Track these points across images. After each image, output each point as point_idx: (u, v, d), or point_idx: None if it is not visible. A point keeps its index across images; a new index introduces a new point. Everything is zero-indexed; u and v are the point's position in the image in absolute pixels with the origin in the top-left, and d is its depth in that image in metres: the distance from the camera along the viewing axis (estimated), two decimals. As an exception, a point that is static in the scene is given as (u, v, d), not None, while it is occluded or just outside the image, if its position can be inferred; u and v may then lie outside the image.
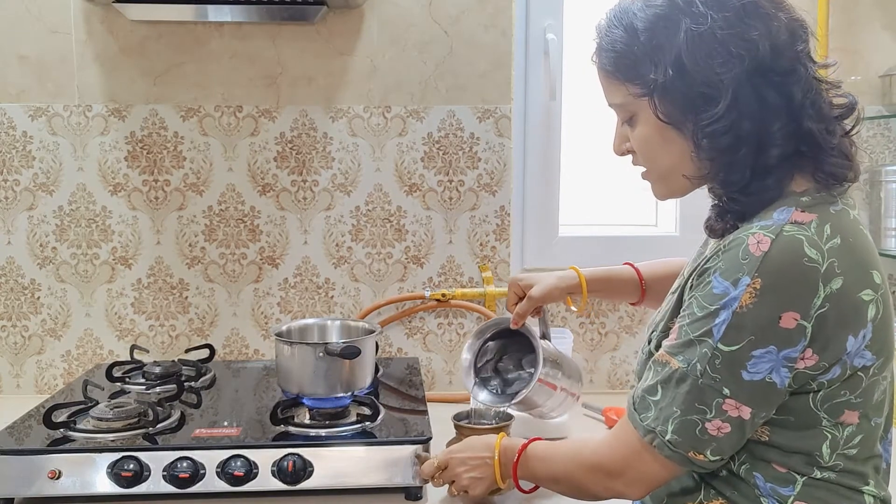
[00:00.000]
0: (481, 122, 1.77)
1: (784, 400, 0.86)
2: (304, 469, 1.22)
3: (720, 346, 0.83)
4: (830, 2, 1.76)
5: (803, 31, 0.88)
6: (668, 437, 0.88)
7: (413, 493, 1.25)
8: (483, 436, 1.19)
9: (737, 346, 0.83)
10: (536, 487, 1.14)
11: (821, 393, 0.86)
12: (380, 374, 1.63)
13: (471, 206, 1.79)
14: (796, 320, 0.81)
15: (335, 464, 1.24)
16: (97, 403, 1.37)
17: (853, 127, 0.91)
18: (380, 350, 1.77)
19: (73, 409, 1.36)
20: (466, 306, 1.79)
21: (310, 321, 1.52)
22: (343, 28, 1.74)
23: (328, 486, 1.24)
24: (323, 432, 1.29)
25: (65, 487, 1.21)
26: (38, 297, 1.75)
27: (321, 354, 1.32)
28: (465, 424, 1.31)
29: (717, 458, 0.89)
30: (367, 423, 1.32)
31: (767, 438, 0.90)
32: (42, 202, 1.73)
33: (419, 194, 1.78)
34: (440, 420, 1.41)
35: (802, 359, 0.83)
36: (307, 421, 1.34)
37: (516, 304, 1.30)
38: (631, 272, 1.33)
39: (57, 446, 1.24)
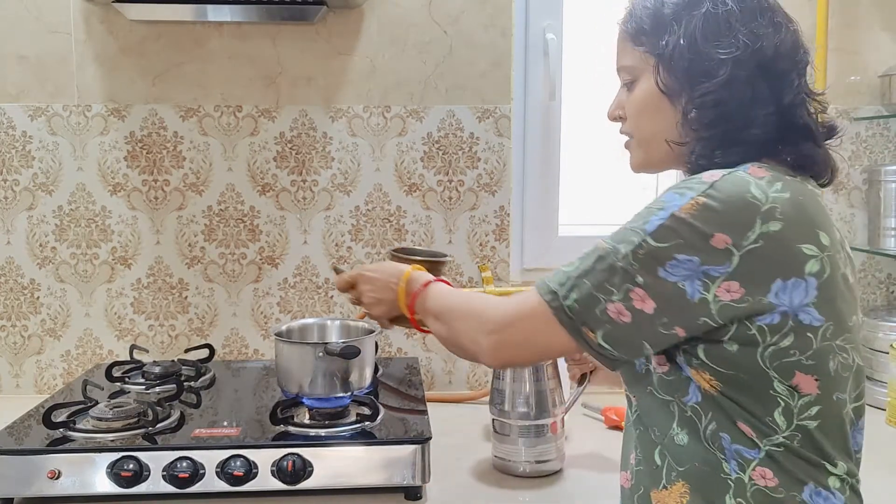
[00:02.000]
0: (481, 122, 1.77)
1: (696, 318, 0.87)
2: (304, 469, 1.22)
3: (649, 238, 0.87)
4: (830, 2, 1.76)
5: (804, 50, 0.96)
6: (567, 303, 0.90)
7: (413, 492, 1.25)
8: (398, 265, 1.20)
9: (664, 244, 0.86)
10: (426, 331, 1.15)
11: (770, 349, 0.87)
12: (379, 374, 1.63)
13: (470, 206, 1.79)
14: (727, 244, 0.84)
15: (335, 464, 1.24)
16: (97, 403, 1.37)
17: (830, 136, 0.99)
18: (379, 350, 1.77)
19: (73, 409, 1.36)
20: (466, 306, 1.79)
21: (309, 321, 1.52)
22: (343, 28, 1.74)
23: (328, 485, 1.24)
24: (323, 432, 1.29)
25: (64, 487, 1.21)
26: (38, 297, 1.75)
27: (321, 354, 1.32)
28: (399, 254, 1.30)
29: (608, 346, 0.90)
30: (367, 422, 1.32)
31: (719, 392, 0.90)
32: (42, 202, 1.73)
33: (419, 194, 1.78)
34: (440, 420, 1.41)
35: (728, 291, 0.85)
36: (307, 421, 1.34)
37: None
38: None
39: (56, 446, 1.24)
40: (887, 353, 1.67)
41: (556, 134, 1.84)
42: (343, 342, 1.33)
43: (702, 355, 0.90)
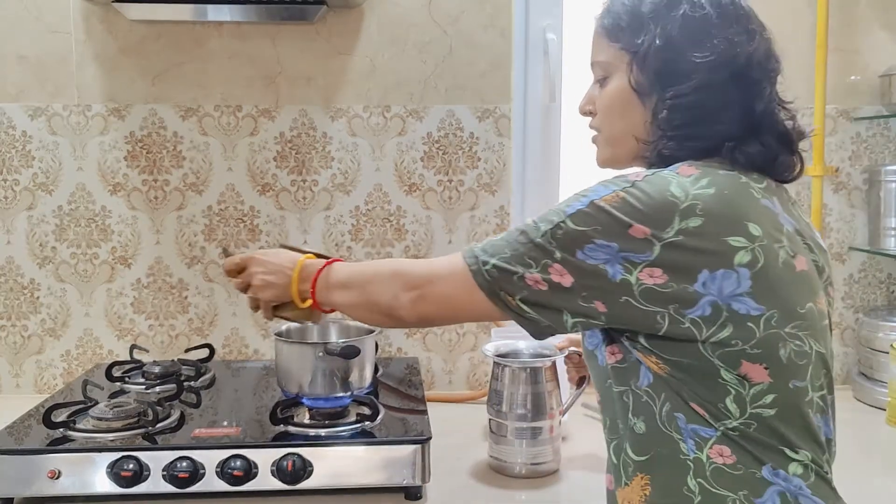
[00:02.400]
0: (481, 121, 1.77)
1: (617, 296, 0.88)
2: (304, 469, 1.22)
3: (568, 220, 0.89)
4: (830, 2, 1.76)
5: (776, 60, 0.98)
6: (486, 267, 0.93)
7: (413, 492, 1.25)
8: (291, 253, 1.19)
9: (581, 228, 0.88)
10: (332, 311, 1.15)
11: (710, 340, 0.88)
12: (379, 373, 1.63)
13: (470, 206, 1.79)
14: (646, 234, 0.86)
15: (335, 463, 1.24)
16: (97, 403, 1.37)
17: (796, 150, 0.99)
18: (379, 350, 1.77)
19: (73, 408, 1.36)
20: (466, 306, 1.79)
21: (309, 321, 1.52)
22: (343, 28, 1.74)
23: (328, 485, 1.24)
24: (322, 432, 1.29)
25: (64, 487, 1.21)
26: (38, 297, 1.75)
27: (321, 354, 1.32)
28: (290, 245, 1.27)
29: (529, 310, 0.92)
30: (367, 422, 1.33)
31: (667, 374, 0.91)
32: (42, 202, 1.73)
33: (419, 194, 1.78)
34: (440, 420, 1.41)
35: (651, 276, 0.87)
36: (307, 421, 1.34)
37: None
38: None
39: (56, 446, 1.24)
40: (887, 353, 1.67)
41: (556, 134, 1.83)
42: (343, 342, 1.33)
43: (643, 341, 0.91)
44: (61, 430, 1.28)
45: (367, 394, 1.43)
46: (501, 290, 0.93)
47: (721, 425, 0.89)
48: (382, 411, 1.37)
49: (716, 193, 0.88)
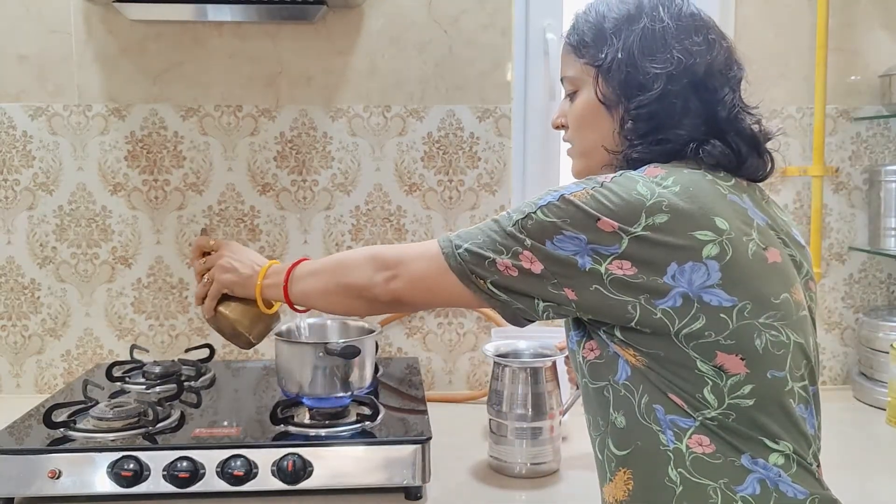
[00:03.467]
0: (481, 121, 1.77)
1: (587, 284, 0.91)
2: (304, 469, 1.23)
3: (538, 212, 0.92)
4: (830, 2, 1.76)
5: (738, 66, 1.01)
6: (459, 251, 0.96)
7: (413, 493, 1.25)
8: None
9: (551, 219, 0.91)
10: (307, 310, 1.17)
11: (683, 332, 0.89)
12: (380, 373, 1.63)
13: (471, 206, 1.79)
14: (614, 228, 0.89)
15: (335, 463, 1.24)
16: (97, 403, 1.37)
17: (764, 151, 1.01)
18: (380, 350, 1.77)
19: (73, 408, 1.36)
20: (466, 306, 1.79)
21: (310, 321, 1.52)
22: (343, 28, 1.74)
23: (328, 485, 1.24)
24: (323, 432, 1.29)
25: (65, 487, 1.21)
26: (38, 297, 1.75)
27: (321, 354, 1.32)
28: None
29: (500, 293, 0.95)
30: (367, 422, 1.33)
31: (645, 366, 0.92)
32: (42, 202, 1.73)
33: (419, 194, 1.78)
34: (440, 420, 1.41)
35: (620, 268, 0.89)
36: (307, 421, 1.34)
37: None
38: None
39: (57, 446, 1.24)
40: (887, 353, 1.67)
41: (557, 134, 1.83)
42: (343, 342, 1.33)
43: (619, 334, 0.93)
44: (62, 429, 1.28)
45: (367, 394, 1.43)
46: (472, 273, 0.96)
47: (699, 415, 0.91)
48: (382, 411, 1.37)
49: (681, 191, 0.90)
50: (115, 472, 1.20)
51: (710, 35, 1.00)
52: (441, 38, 1.75)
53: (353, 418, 1.34)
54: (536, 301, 0.94)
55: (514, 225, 0.93)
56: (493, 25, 1.76)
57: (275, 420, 1.32)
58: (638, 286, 0.89)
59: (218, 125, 1.74)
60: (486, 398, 1.40)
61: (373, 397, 1.42)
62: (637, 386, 0.93)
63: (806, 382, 0.95)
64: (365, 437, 1.28)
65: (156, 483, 1.21)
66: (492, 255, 0.94)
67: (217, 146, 1.75)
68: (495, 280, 0.95)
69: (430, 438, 1.27)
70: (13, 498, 1.22)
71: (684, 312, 0.88)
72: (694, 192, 0.91)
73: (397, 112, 1.76)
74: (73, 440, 1.26)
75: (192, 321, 1.78)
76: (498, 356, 1.38)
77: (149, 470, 1.21)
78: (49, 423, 1.29)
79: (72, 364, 1.77)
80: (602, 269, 0.89)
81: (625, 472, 0.95)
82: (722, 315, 0.89)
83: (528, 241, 0.92)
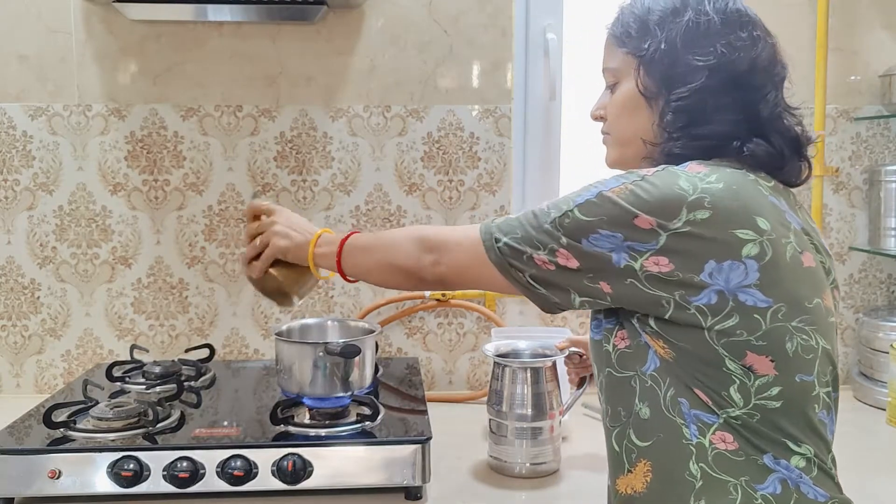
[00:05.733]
0: (481, 121, 1.77)
1: (622, 279, 0.91)
2: (304, 469, 1.22)
3: (576, 210, 0.93)
4: (830, 2, 1.76)
5: (782, 65, 1.00)
6: (499, 244, 0.98)
7: (413, 493, 1.25)
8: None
9: (588, 218, 0.91)
10: (356, 281, 1.20)
11: (715, 329, 0.89)
12: (380, 373, 1.63)
13: (471, 206, 1.79)
14: (651, 225, 0.88)
15: (335, 463, 1.24)
16: (97, 403, 1.37)
17: (804, 155, 1.01)
18: (380, 350, 1.77)
19: (73, 408, 1.36)
20: (466, 306, 1.79)
21: (310, 321, 1.52)
22: (343, 28, 1.74)
23: (328, 485, 1.24)
24: (323, 432, 1.29)
25: (65, 487, 1.21)
26: (38, 297, 1.75)
27: (321, 354, 1.32)
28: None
29: (538, 287, 0.96)
30: (367, 422, 1.33)
31: (672, 359, 0.92)
32: (42, 202, 1.73)
33: (419, 194, 1.78)
34: (440, 420, 1.41)
35: (656, 264, 0.89)
36: (307, 421, 1.34)
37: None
38: None
39: (57, 446, 1.24)
40: (887, 353, 1.67)
41: (557, 134, 1.84)
42: (343, 342, 1.33)
43: (653, 324, 0.93)
44: (62, 429, 1.28)
45: (368, 394, 1.43)
46: (511, 266, 0.97)
47: (724, 413, 0.91)
48: (382, 411, 1.37)
49: (724, 188, 0.90)
50: (115, 472, 1.20)
51: (756, 31, 0.99)
52: (441, 38, 1.75)
53: (353, 418, 1.34)
54: (573, 294, 0.96)
55: (551, 222, 0.94)
56: (493, 25, 1.76)
57: (275, 420, 1.31)
58: (673, 282, 0.89)
59: (218, 125, 1.74)
60: (486, 398, 1.40)
61: (373, 397, 1.42)
62: (664, 378, 0.93)
63: (830, 389, 0.95)
64: (365, 437, 1.28)
65: (156, 483, 1.21)
66: (529, 250, 0.95)
67: (217, 146, 1.75)
68: (533, 273, 0.96)
69: (430, 438, 1.27)
70: (13, 498, 1.22)
71: (718, 310, 0.88)
72: (737, 190, 0.91)
73: (397, 112, 1.76)
74: (73, 440, 1.26)
75: (192, 321, 1.78)
76: (498, 356, 1.38)
77: (149, 470, 1.21)
78: (49, 423, 1.29)
79: (72, 364, 1.77)
80: (637, 266, 0.90)
81: (644, 464, 0.94)
82: (756, 315, 0.89)
83: (565, 240, 0.93)
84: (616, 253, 0.90)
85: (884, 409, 1.66)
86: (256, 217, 1.25)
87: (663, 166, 0.94)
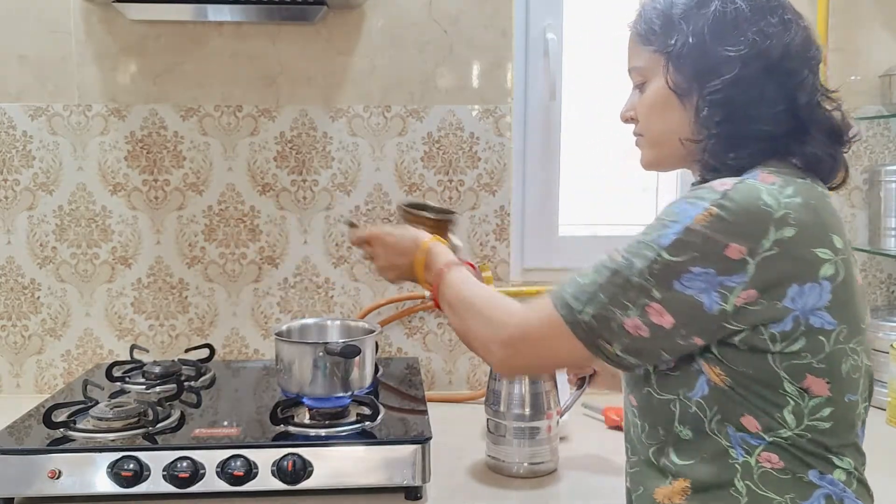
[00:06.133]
0: (481, 121, 1.77)
1: (715, 327, 0.88)
2: (304, 469, 1.22)
3: (664, 253, 0.87)
4: (830, 2, 1.76)
5: (817, 48, 0.97)
6: (584, 318, 0.90)
7: (413, 493, 1.25)
8: (415, 231, 1.21)
9: (679, 258, 0.86)
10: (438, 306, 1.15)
11: (780, 352, 0.87)
12: (380, 374, 1.63)
13: (471, 206, 1.79)
14: (741, 254, 0.84)
15: (335, 464, 1.24)
16: (97, 403, 1.37)
17: (846, 142, 0.97)
18: (380, 350, 1.77)
19: (73, 408, 1.36)
20: (466, 306, 1.79)
21: (309, 321, 1.52)
22: (343, 28, 1.74)
23: (328, 485, 1.24)
24: (323, 432, 1.29)
25: (65, 487, 1.21)
26: (38, 297, 1.75)
27: (321, 354, 1.32)
28: (409, 210, 1.28)
29: (628, 357, 0.90)
30: (367, 422, 1.32)
31: (727, 386, 0.90)
32: (42, 202, 1.73)
33: (419, 194, 1.78)
34: (440, 420, 1.41)
35: (745, 298, 0.86)
36: (307, 421, 1.34)
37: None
38: None
39: (57, 446, 1.24)
40: (887, 353, 1.67)
41: (556, 134, 1.83)
42: (343, 342, 1.33)
43: (714, 351, 0.90)
44: (61, 430, 1.28)
45: (367, 394, 1.43)
46: (600, 338, 0.90)
47: (772, 434, 0.89)
48: (382, 411, 1.37)
49: (803, 203, 0.87)
50: (115, 472, 1.20)
51: (786, 15, 0.95)
52: (441, 38, 1.75)
53: (353, 418, 1.34)
54: (664, 356, 0.91)
55: (638, 274, 0.87)
56: (493, 25, 1.76)
57: (275, 420, 1.31)
58: (757, 313, 0.86)
59: (218, 125, 1.74)
60: (484, 398, 1.40)
61: (373, 397, 1.42)
62: (711, 406, 0.91)
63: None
64: (365, 437, 1.28)
65: (156, 483, 1.21)
66: (619, 314, 0.88)
67: (217, 146, 1.75)
68: (624, 345, 0.89)
69: (430, 438, 1.27)
70: (13, 498, 1.22)
71: (789, 334, 0.87)
72: (815, 205, 0.88)
73: (397, 112, 1.76)
74: (73, 440, 1.26)
75: (192, 321, 1.78)
76: None
77: (149, 470, 1.21)
78: (49, 423, 1.29)
79: (72, 364, 1.77)
80: (729, 307, 0.86)
81: (684, 480, 0.93)
82: (821, 337, 0.87)
83: (657, 292, 0.87)
84: (707, 295, 0.85)
85: (884, 409, 1.66)
86: (364, 243, 1.25)
87: (740, 179, 0.89)
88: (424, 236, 1.18)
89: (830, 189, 0.98)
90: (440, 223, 1.28)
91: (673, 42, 0.96)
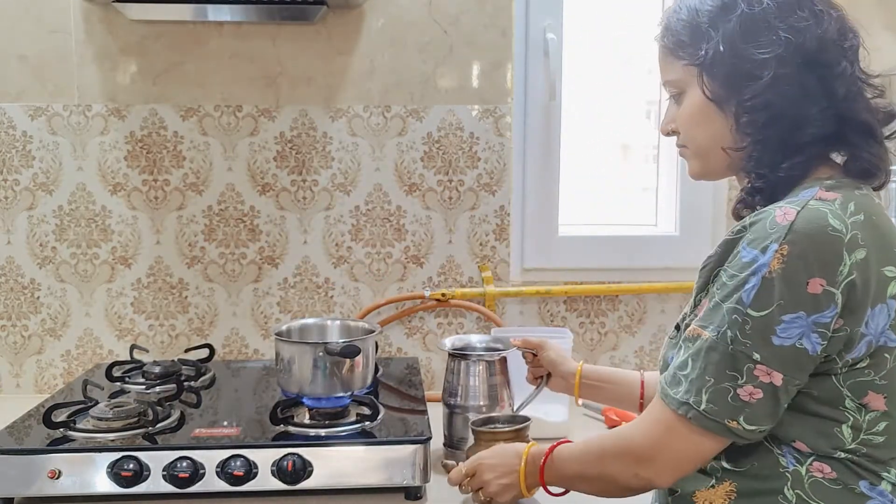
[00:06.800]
0: (481, 121, 1.77)
1: (818, 367, 0.87)
2: (304, 469, 1.22)
3: (750, 311, 0.85)
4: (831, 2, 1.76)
5: (854, 34, 0.95)
6: (703, 407, 0.88)
7: (413, 492, 1.25)
8: (514, 443, 1.17)
9: (766, 311, 0.84)
10: (566, 492, 1.11)
11: (846, 370, 0.87)
12: (379, 373, 1.63)
13: (470, 206, 1.79)
14: (822, 286, 0.83)
15: (335, 463, 1.24)
16: (97, 403, 1.37)
17: (889, 135, 0.95)
18: (379, 350, 1.77)
19: (73, 408, 1.36)
20: (466, 306, 1.79)
21: (309, 321, 1.52)
22: (343, 28, 1.74)
23: (328, 485, 1.24)
24: (323, 432, 1.29)
25: (65, 487, 1.21)
26: (38, 297, 1.75)
27: (321, 354, 1.32)
28: (484, 430, 1.27)
29: (753, 427, 0.88)
30: (367, 422, 1.32)
31: (787, 406, 0.90)
32: (42, 202, 1.73)
33: (419, 194, 1.78)
34: (440, 420, 1.41)
35: (836, 330, 0.85)
36: (307, 421, 1.34)
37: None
38: (634, 381, 1.30)
39: (57, 446, 1.24)
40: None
41: (556, 134, 1.83)
42: (343, 342, 1.33)
43: None
44: (61, 430, 1.28)
45: (367, 394, 1.43)
46: (725, 419, 0.88)
47: (826, 448, 0.89)
48: (382, 411, 1.37)
49: (866, 219, 0.85)
50: (115, 472, 1.20)
51: (816, 7, 0.92)
52: (441, 38, 1.75)
53: (353, 418, 1.34)
54: (783, 408, 0.88)
55: (733, 342, 0.85)
56: (493, 25, 1.76)
57: (275, 420, 1.31)
58: (840, 339, 0.85)
59: (218, 125, 1.74)
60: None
61: (373, 397, 1.42)
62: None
63: None
64: (365, 437, 1.28)
65: (156, 483, 1.21)
66: (730, 387, 0.86)
67: (217, 146, 1.75)
68: (747, 415, 0.87)
69: (430, 438, 1.27)
70: (13, 498, 1.22)
71: (860, 359, 0.86)
72: (876, 221, 0.86)
73: (397, 112, 1.76)
74: (73, 440, 1.26)
75: (192, 321, 1.78)
76: (454, 350, 1.42)
77: (149, 470, 1.21)
78: (49, 423, 1.29)
79: (72, 364, 1.77)
80: (830, 345, 0.85)
81: (730, 484, 0.93)
82: (886, 355, 0.87)
83: (757, 354, 0.85)
84: (807, 339, 0.84)
85: (884, 409, 1.66)
86: (467, 477, 1.18)
87: (798, 202, 0.86)
88: (522, 446, 1.13)
89: (875, 189, 0.96)
90: (520, 431, 1.26)
91: (703, 52, 0.94)
